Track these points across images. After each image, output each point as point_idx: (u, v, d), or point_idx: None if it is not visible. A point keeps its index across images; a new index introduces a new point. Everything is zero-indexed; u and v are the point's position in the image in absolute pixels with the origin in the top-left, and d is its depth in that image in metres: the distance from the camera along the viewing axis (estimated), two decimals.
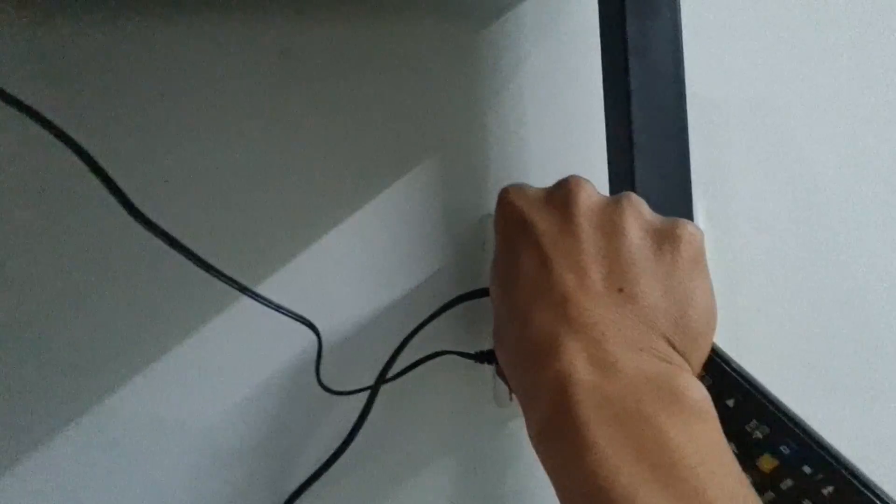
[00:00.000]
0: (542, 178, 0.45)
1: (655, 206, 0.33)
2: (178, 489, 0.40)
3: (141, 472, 0.40)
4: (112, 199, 0.25)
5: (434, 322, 0.43)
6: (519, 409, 0.45)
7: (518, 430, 0.44)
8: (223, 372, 0.41)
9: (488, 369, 0.44)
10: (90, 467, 0.39)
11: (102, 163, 0.25)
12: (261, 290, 0.40)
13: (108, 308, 0.39)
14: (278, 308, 0.31)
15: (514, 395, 0.43)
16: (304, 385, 0.40)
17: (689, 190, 0.35)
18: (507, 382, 0.40)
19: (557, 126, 0.46)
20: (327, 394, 0.38)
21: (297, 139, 0.42)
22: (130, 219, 0.26)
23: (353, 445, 0.41)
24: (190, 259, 0.27)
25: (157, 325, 0.40)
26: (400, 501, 0.43)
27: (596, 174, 0.45)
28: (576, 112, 0.46)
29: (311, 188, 0.42)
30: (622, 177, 0.35)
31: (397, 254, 0.43)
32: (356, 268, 0.42)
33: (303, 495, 0.41)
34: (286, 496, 0.41)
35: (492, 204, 0.45)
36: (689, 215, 0.35)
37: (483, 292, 0.40)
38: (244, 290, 0.29)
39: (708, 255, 0.30)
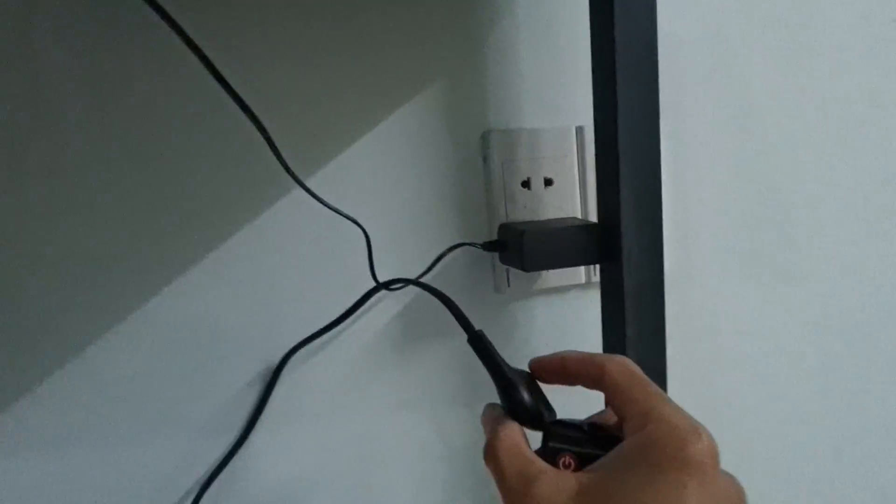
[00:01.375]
0: (535, 104, 0.52)
1: (634, 130, 0.41)
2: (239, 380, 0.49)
3: (198, 371, 0.48)
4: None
5: (440, 223, 0.51)
6: (514, 295, 0.54)
7: (514, 311, 0.54)
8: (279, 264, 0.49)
9: (490, 263, 0.53)
10: (142, 359, 0.47)
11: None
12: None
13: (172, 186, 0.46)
14: (336, 210, 0.39)
15: (511, 282, 0.53)
16: (356, 277, 0.49)
17: (657, 113, 0.43)
18: (509, 265, 0.49)
19: (549, 52, 0.53)
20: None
21: (322, 64, 0.48)
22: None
23: (389, 324, 0.51)
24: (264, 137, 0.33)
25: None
26: (419, 364, 0.53)
27: (582, 95, 0.53)
28: (566, 39, 0.53)
29: (339, 107, 0.49)
30: (606, 101, 0.43)
31: (412, 166, 0.51)
32: (372, 177, 0.50)
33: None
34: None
35: (492, 122, 0.52)
36: (656, 131, 0.43)
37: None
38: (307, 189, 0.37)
39: (665, 171, 0.38)
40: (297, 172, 0.40)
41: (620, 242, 0.42)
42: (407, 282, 0.38)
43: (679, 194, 0.58)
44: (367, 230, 0.44)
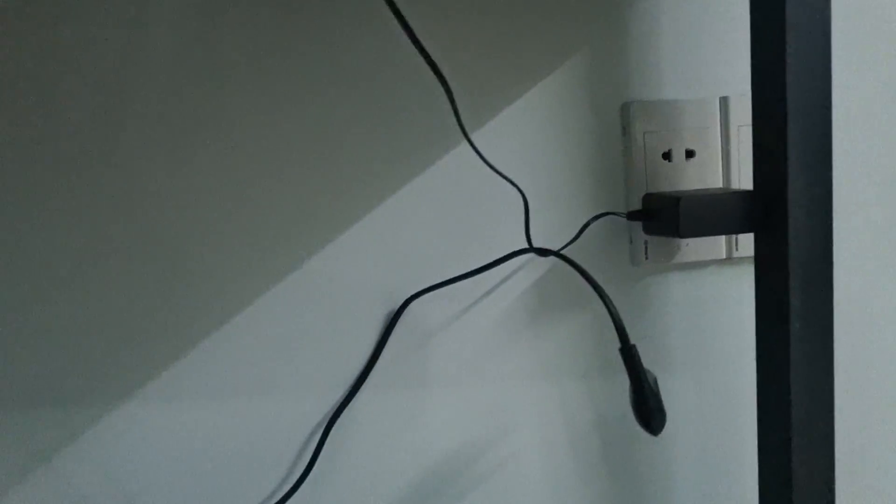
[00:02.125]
0: (676, 76, 0.52)
1: (804, 88, 0.40)
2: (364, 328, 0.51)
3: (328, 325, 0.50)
4: None
5: (581, 195, 0.51)
6: (650, 269, 0.54)
7: (649, 285, 0.54)
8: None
9: (627, 235, 0.52)
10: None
11: None
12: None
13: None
14: (499, 172, 0.39)
15: (649, 255, 0.52)
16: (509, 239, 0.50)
17: (829, 76, 0.41)
18: (656, 234, 0.49)
19: (691, 21, 0.52)
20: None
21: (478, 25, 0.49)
22: None
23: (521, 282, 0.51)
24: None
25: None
26: (550, 339, 0.53)
27: (726, 64, 0.52)
28: (706, 13, 0.52)
29: (490, 73, 0.50)
30: (770, 69, 0.41)
31: (553, 135, 0.51)
32: (519, 144, 0.51)
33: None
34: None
35: (632, 94, 0.52)
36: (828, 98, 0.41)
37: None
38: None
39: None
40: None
41: (786, 208, 0.41)
42: (559, 256, 0.38)
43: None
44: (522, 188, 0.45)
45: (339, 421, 0.51)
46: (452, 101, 0.36)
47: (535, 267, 0.52)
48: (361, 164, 0.49)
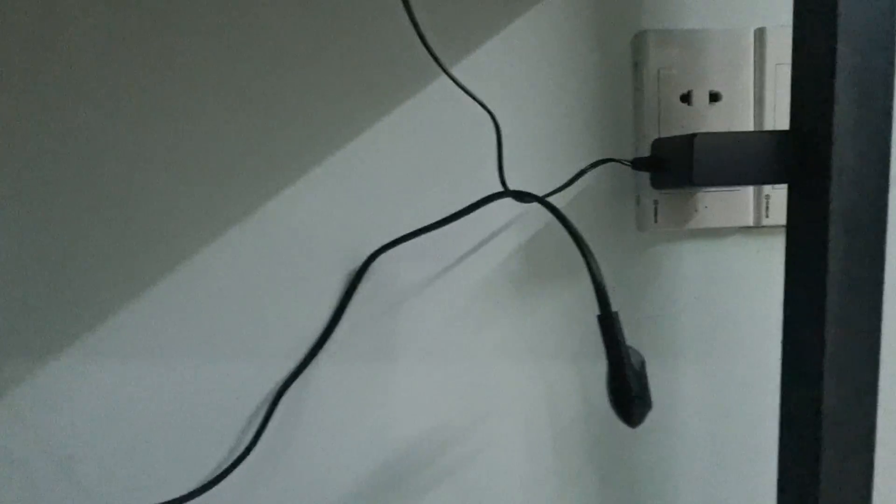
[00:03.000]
0: (699, 1, 0.43)
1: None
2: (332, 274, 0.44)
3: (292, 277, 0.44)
4: None
5: (582, 138, 0.43)
6: (659, 235, 0.45)
7: (658, 255, 0.45)
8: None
9: (633, 194, 0.44)
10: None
11: None
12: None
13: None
14: (467, 90, 0.32)
15: (658, 217, 0.43)
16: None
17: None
18: (665, 186, 0.40)
19: None
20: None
21: None
22: None
23: (506, 243, 0.44)
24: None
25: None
26: (542, 315, 0.45)
27: (762, 3, 0.43)
28: None
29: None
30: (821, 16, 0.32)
31: (551, 67, 0.43)
32: (509, 74, 0.43)
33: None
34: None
35: (646, 21, 0.43)
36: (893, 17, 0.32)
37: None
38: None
39: None
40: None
41: (829, 151, 0.32)
42: (540, 201, 0.30)
43: None
44: (499, 123, 0.37)
45: (289, 392, 0.45)
46: (420, 35, 0.29)
47: (525, 224, 0.44)
48: (322, 103, 0.42)
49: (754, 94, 0.43)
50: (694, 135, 0.34)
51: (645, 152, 0.42)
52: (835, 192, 0.32)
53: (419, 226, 0.42)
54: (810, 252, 0.34)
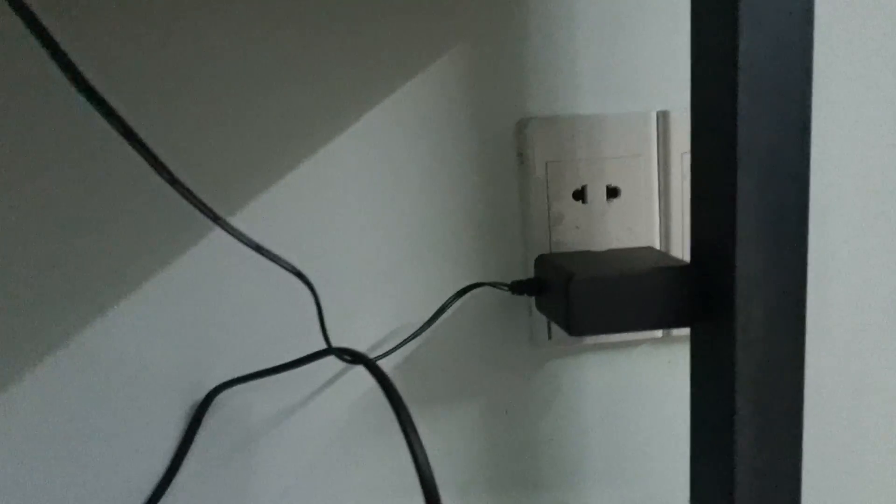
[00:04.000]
0: (594, 81, 0.36)
1: (767, 112, 0.25)
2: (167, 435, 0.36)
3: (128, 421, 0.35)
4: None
5: (458, 254, 0.36)
6: (557, 350, 0.39)
7: (556, 371, 0.39)
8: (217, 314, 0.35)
9: (523, 303, 0.38)
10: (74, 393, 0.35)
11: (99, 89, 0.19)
12: (236, 219, 0.33)
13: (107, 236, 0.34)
14: (259, 249, 0.25)
15: (553, 334, 0.37)
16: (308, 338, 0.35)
17: (810, 95, 0.26)
18: (548, 317, 0.34)
19: (616, 16, 0.37)
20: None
21: (290, 25, 0.34)
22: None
23: (364, 397, 0.36)
24: (183, 195, 0.20)
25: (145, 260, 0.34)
26: (428, 445, 0.38)
27: (665, 84, 0.37)
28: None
29: (314, 84, 0.34)
30: (717, 101, 0.26)
31: (415, 167, 0.36)
32: (358, 192, 0.35)
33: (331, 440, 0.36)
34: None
35: (532, 106, 0.37)
36: (807, 129, 0.26)
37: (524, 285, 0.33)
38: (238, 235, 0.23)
39: None
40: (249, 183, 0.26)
41: (732, 294, 0.26)
42: (359, 359, 0.24)
43: (817, 217, 0.40)
44: (314, 281, 0.30)
45: None
46: (186, 191, 0.21)
47: (395, 355, 0.37)
48: (144, 227, 0.34)
49: (659, 187, 0.37)
50: (570, 275, 0.27)
51: (533, 266, 0.36)
52: (739, 345, 0.27)
53: (260, 366, 0.35)
54: (716, 414, 0.28)
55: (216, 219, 0.22)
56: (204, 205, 0.22)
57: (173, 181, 0.21)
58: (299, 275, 0.26)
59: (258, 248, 0.24)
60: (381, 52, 0.35)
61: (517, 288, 0.33)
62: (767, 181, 0.26)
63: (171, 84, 0.33)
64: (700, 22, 0.28)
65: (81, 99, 0.19)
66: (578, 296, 0.27)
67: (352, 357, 0.31)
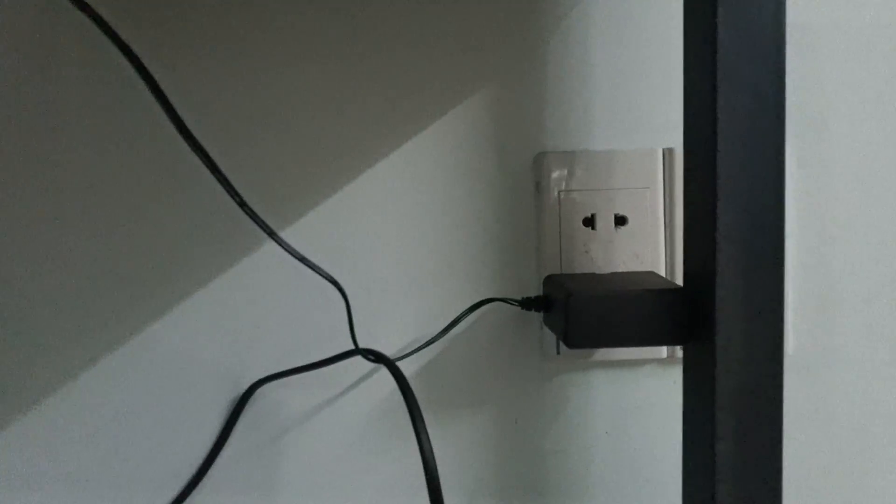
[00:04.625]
0: (606, 120, 0.40)
1: (743, 155, 0.28)
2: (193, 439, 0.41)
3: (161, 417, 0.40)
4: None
5: (476, 270, 0.40)
6: (565, 364, 0.42)
7: (565, 385, 0.42)
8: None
9: (536, 318, 0.41)
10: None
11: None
12: (284, 234, 0.38)
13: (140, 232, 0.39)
14: (304, 260, 0.29)
15: (561, 349, 0.40)
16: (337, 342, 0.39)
17: (783, 141, 0.29)
18: (552, 331, 0.37)
19: (628, 57, 0.40)
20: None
21: (329, 65, 0.39)
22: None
23: (386, 400, 0.40)
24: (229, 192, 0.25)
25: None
26: (439, 450, 0.42)
27: (671, 124, 0.40)
28: (651, 42, 0.40)
29: (360, 117, 0.39)
30: (700, 126, 0.30)
31: (443, 195, 0.40)
32: (391, 213, 0.40)
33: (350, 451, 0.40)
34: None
35: (548, 141, 0.41)
36: (780, 170, 0.29)
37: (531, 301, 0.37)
38: (278, 239, 0.27)
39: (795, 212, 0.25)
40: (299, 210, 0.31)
41: (713, 316, 0.29)
42: (381, 359, 0.28)
43: (811, 245, 0.42)
44: (346, 289, 0.34)
45: None
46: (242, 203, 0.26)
47: (419, 355, 0.41)
48: (186, 233, 0.39)
49: (665, 217, 0.41)
50: (570, 293, 0.31)
51: (542, 285, 0.39)
52: (719, 359, 0.29)
53: (298, 363, 0.39)
54: (702, 410, 0.31)
55: (272, 234, 0.27)
56: (265, 223, 0.27)
57: (242, 204, 0.25)
58: (334, 283, 0.30)
59: (303, 260, 0.29)
60: (420, 92, 0.40)
61: (527, 304, 0.36)
62: (745, 215, 0.29)
63: (239, 114, 0.39)
64: (688, 74, 0.31)
65: (172, 129, 0.24)
66: (576, 311, 0.30)
67: (375, 357, 0.35)
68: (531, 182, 0.41)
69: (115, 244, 0.40)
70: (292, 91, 0.39)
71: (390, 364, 0.31)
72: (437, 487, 0.28)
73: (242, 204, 0.25)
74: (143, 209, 0.40)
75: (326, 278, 0.29)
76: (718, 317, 0.29)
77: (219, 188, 0.26)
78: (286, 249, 0.27)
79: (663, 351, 0.41)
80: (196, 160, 0.25)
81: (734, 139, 0.28)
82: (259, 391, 0.41)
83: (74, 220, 0.40)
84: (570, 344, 0.30)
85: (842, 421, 0.43)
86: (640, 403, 0.42)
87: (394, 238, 0.40)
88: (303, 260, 0.28)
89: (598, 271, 0.40)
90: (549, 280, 0.36)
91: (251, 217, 0.25)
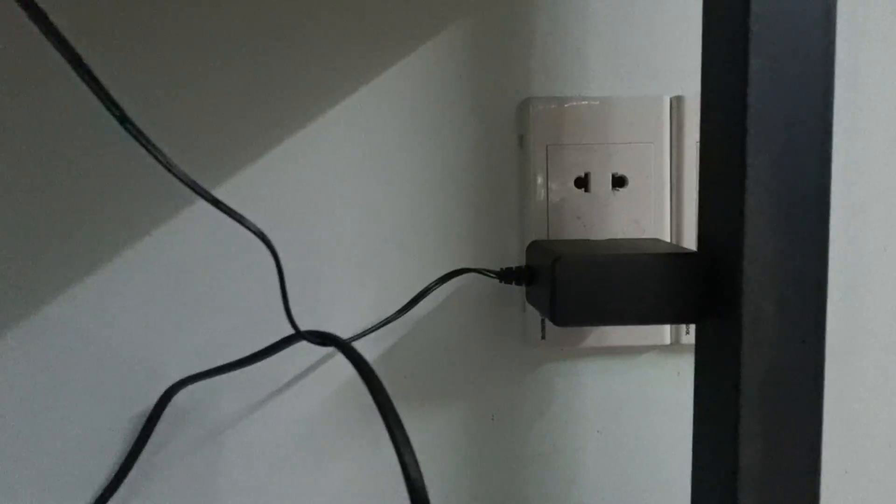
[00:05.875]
0: (604, 61, 0.34)
1: (779, 152, 0.22)
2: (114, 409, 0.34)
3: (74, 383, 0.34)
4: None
5: (447, 238, 0.34)
6: (552, 352, 0.36)
7: (550, 375, 0.36)
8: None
9: (517, 296, 0.35)
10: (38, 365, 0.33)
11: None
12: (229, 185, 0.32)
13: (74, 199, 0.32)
14: (224, 208, 0.23)
15: (547, 333, 0.34)
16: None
17: (832, 66, 0.23)
18: (536, 308, 0.31)
19: None
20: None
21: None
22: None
23: (352, 388, 0.34)
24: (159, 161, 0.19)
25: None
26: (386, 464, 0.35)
27: (681, 67, 0.34)
28: None
29: (307, 53, 0.33)
30: (728, 88, 0.23)
31: (407, 146, 0.34)
32: (342, 168, 0.33)
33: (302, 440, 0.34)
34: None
35: (535, 86, 0.34)
36: (828, 101, 0.23)
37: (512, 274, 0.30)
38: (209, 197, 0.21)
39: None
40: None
41: (739, 285, 0.23)
42: (332, 341, 0.21)
43: (845, 211, 0.36)
44: (284, 259, 0.28)
45: None
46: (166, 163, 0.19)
47: (376, 337, 0.34)
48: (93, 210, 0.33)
49: (671, 177, 0.34)
50: (558, 256, 0.24)
51: (525, 254, 0.33)
52: (747, 339, 0.23)
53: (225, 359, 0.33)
54: (724, 402, 0.25)
55: (170, 167, 0.21)
56: (157, 150, 0.20)
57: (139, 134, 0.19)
58: (262, 237, 0.24)
59: (215, 202, 0.22)
60: (379, 25, 0.33)
61: (506, 276, 0.30)
62: (782, 158, 0.23)
63: (163, 49, 0.32)
64: None
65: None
66: (564, 279, 0.24)
67: (322, 339, 0.29)
68: (514, 134, 0.34)
69: (11, 205, 0.33)
70: (234, 20, 0.32)
71: (344, 346, 0.25)
72: (422, 489, 0.21)
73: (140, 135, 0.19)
74: (44, 166, 0.33)
75: (253, 231, 0.23)
76: (746, 286, 0.23)
77: (131, 143, 0.19)
78: (191, 187, 0.21)
79: (666, 336, 0.35)
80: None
81: (770, 58, 0.22)
82: (180, 393, 0.34)
83: None
84: (558, 320, 0.24)
85: (867, 413, 0.37)
86: (638, 398, 0.36)
87: (346, 197, 0.33)
88: (215, 203, 0.22)
89: (590, 238, 0.33)
90: (534, 246, 0.30)
91: (162, 164, 0.19)
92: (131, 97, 0.32)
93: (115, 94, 0.19)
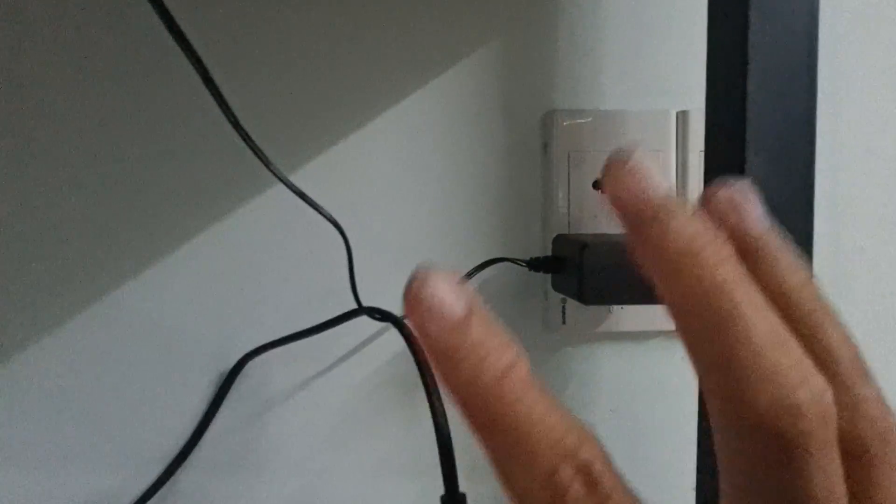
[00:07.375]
0: (618, 79, 0.38)
1: (771, 153, 0.26)
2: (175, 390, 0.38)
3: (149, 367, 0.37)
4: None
5: (480, 232, 0.38)
6: (570, 336, 0.40)
7: (568, 359, 0.40)
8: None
9: (540, 287, 0.39)
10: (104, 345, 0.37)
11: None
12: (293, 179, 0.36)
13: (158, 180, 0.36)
14: (303, 196, 0.27)
15: (567, 318, 0.38)
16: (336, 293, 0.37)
17: (814, 94, 0.28)
18: (563, 293, 0.35)
19: (640, 19, 0.39)
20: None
21: (337, 12, 0.37)
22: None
23: (384, 367, 0.38)
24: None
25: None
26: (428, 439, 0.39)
27: (686, 85, 0.39)
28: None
29: (364, 68, 0.37)
30: (729, 101, 0.28)
31: (447, 149, 0.38)
32: (392, 167, 0.38)
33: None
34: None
35: (559, 99, 0.39)
36: (811, 123, 0.28)
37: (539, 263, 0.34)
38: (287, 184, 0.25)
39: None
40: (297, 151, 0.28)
41: None
42: (388, 317, 0.25)
43: (837, 216, 0.41)
44: (348, 234, 0.32)
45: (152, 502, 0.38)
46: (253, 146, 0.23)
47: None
48: (172, 195, 0.37)
49: (678, 181, 0.39)
50: (585, 244, 0.29)
51: (551, 246, 0.37)
52: None
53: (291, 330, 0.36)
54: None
55: (268, 164, 0.25)
56: (259, 149, 0.24)
57: (247, 138, 0.23)
58: (335, 223, 0.28)
59: (301, 195, 0.26)
60: (427, 44, 0.37)
61: (535, 264, 0.34)
62: (775, 163, 0.27)
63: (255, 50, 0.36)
64: (714, 20, 0.30)
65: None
66: (592, 262, 0.28)
67: (381, 315, 0.32)
68: (539, 141, 0.39)
69: (88, 191, 0.37)
70: (296, 35, 0.37)
71: (399, 323, 0.29)
72: (451, 454, 0.25)
73: (247, 138, 0.23)
74: (115, 149, 0.37)
75: (327, 217, 0.27)
76: None
77: (224, 129, 0.23)
78: (284, 181, 0.25)
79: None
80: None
81: (764, 85, 0.26)
82: (251, 363, 0.38)
83: (44, 164, 0.36)
84: (586, 300, 0.28)
85: None
86: (647, 380, 0.40)
87: (397, 192, 0.38)
88: (301, 195, 0.26)
89: (610, 233, 0.38)
90: (559, 239, 0.34)
91: (253, 150, 0.23)
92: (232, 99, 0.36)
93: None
